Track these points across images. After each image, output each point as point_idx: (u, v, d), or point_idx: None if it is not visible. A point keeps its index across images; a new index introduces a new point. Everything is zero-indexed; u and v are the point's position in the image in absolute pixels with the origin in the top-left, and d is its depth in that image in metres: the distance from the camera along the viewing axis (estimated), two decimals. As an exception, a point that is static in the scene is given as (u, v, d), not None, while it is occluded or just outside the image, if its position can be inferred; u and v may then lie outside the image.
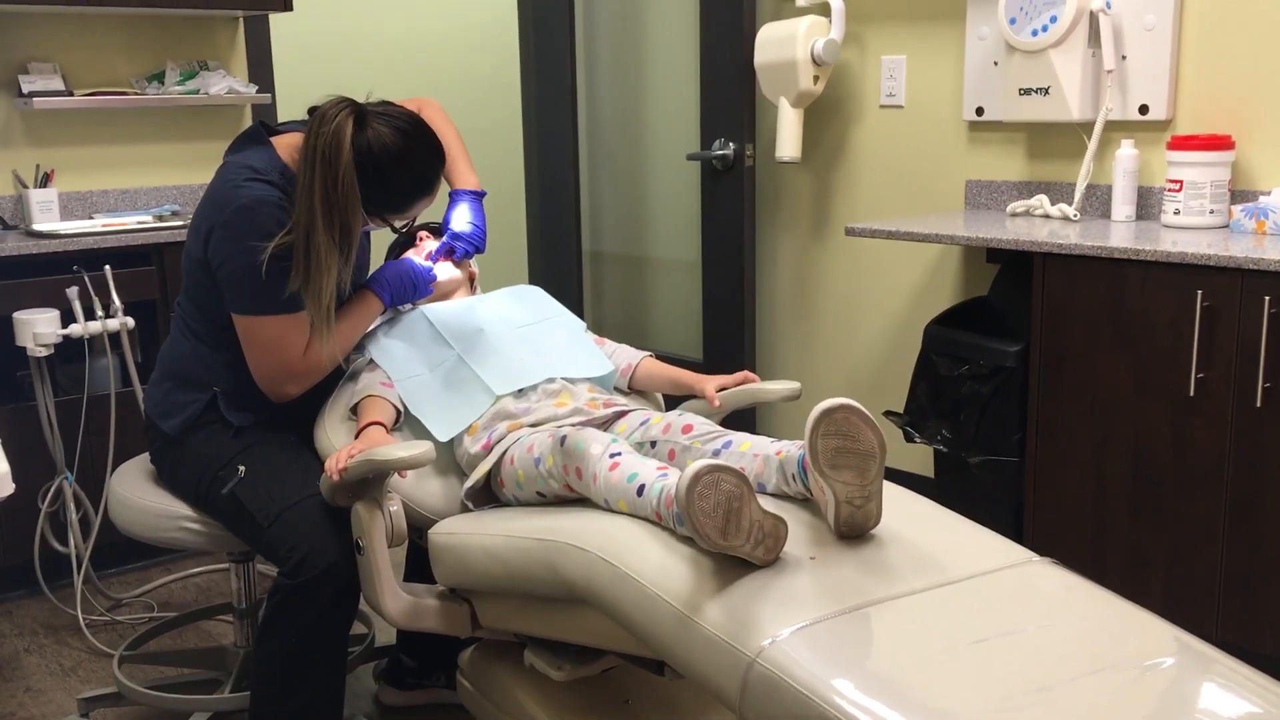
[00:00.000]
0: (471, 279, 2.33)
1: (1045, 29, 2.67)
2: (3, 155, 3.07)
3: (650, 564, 1.54)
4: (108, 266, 2.76)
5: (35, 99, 2.98)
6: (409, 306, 2.22)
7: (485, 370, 2.03)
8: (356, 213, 1.89)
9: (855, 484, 1.57)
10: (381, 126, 1.89)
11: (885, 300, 3.31)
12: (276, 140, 2.00)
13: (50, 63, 3.10)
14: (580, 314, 4.07)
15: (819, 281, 3.49)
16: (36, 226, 2.94)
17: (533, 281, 4.25)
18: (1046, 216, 2.82)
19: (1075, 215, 2.74)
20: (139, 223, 3.04)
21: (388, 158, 1.89)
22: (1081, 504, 2.50)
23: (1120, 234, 2.52)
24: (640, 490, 1.64)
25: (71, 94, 3.08)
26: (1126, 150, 2.67)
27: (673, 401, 2.20)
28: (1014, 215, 2.89)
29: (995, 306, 2.85)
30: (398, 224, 2.03)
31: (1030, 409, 2.55)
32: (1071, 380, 2.48)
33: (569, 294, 4.05)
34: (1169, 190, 2.56)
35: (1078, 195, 2.75)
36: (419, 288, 2.14)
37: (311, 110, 1.90)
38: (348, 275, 1.99)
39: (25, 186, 3.03)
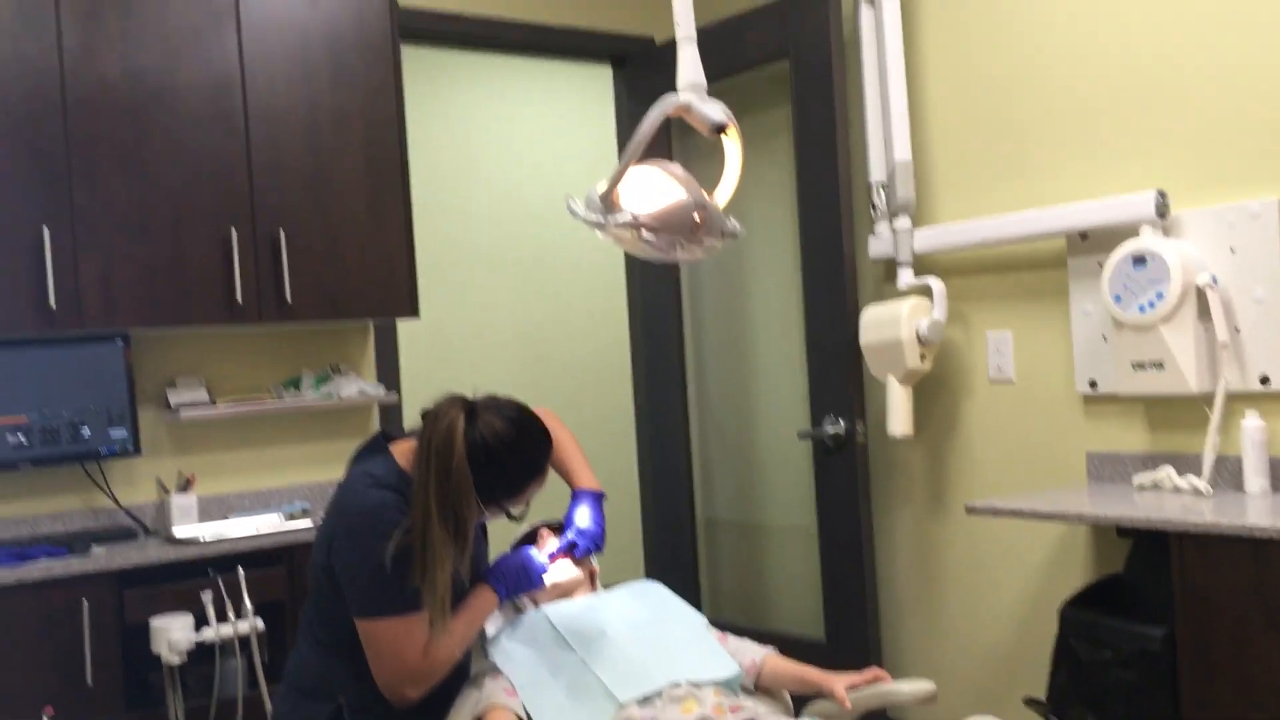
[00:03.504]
0: (592, 576, 2.34)
1: (1152, 305, 2.68)
2: (149, 464, 3.25)
3: None
4: (240, 569, 2.85)
5: (182, 411, 3.18)
6: (531, 606, 2.24)
7: (608, 675, 2.00)
8: (469, 503, 1.95)
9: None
10: (491, 417, 1.99)
11: (1013, 579, 3.21)
12: (395, 447, 2.11)
13: (196, 375, 3.32)
14: (696, 584, 4.04)
15: (941, 559, 3.41)
16: (176, 532, 3.07)
17: (648, 554, 4.24)
18: (1176, 489, 2.74)
19: (1206, 489, 2.66)
20: (270, 524, 3.15)
21: (499, 444, 1.97)
22: (1254, 805, 2.30)
23: (1257, 509, 2.43)
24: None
25: (214, 404, 3.28)
26: (1253, 422, 2.61)
27: (800, 700, 2.13)
28: (1141, 488, 2.82)
29: (1132, 584, 2.74)
30: (514, 510, 2.08)
31: (1183, 698, 2.40)
32: (1225, 666, 2.33)
33: (684, 568, 4.03)
34: (1303, 461, 2.48)
35: (1206, 468, 2.68)
36: (533, 578, 2.17)
37: (425, 413, 2.00)
38: (465, 568, 2.02)
39: (167, 492, 3.19)
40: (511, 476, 2.03)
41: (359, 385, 3.47)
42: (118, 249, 2.97)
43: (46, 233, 2.87)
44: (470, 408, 2.01)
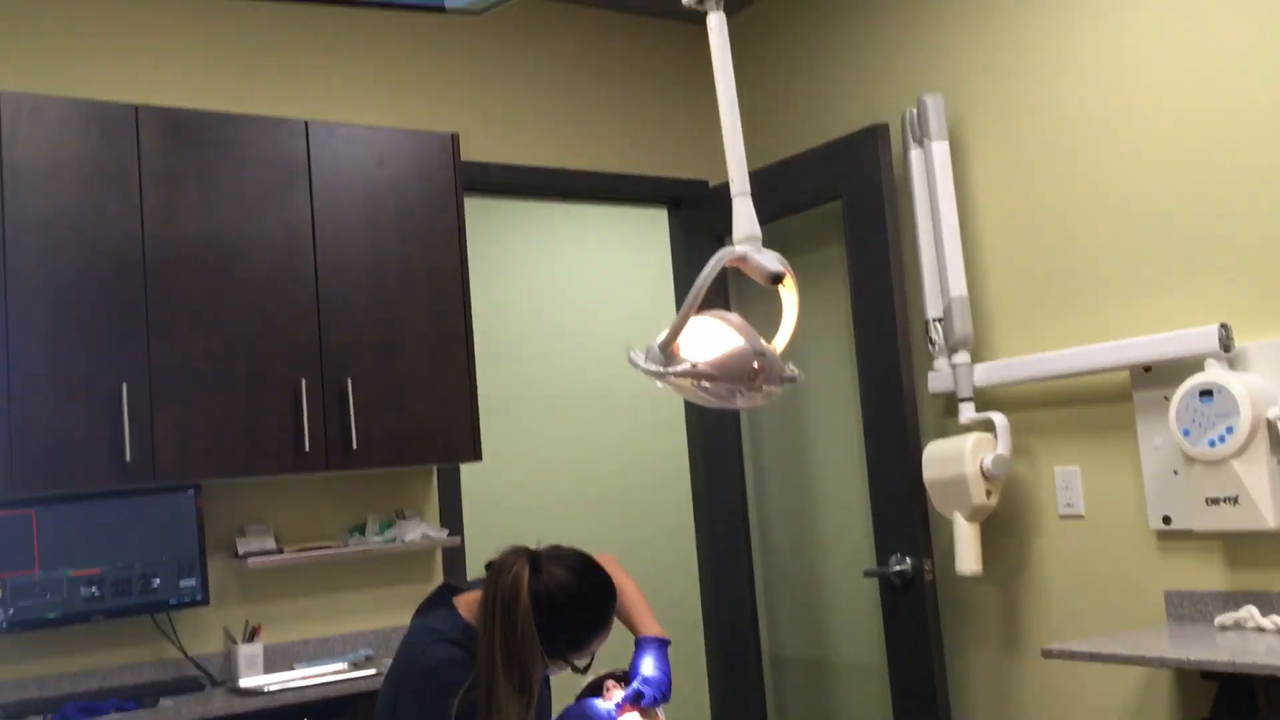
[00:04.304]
0: (659, 728, 2.30)
1: (1222, 439, 2.64)
2: (217, 613, 3.28)
3: None
4: (305, 720, 2.84)
5: (250, 559, 3.22)
6: (597, 760, 2.20)
7: (677, 835, 1.95)
8: (535, 658, 1.94)
9: None
10: (555, 569, 1.99)
11: (1095, 722, 3.09)
12: (459, 600, 2.10)
13: (265, 523, 3.37)
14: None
15: (1018, 702, 3.29)
16: (242, 683, 3.07)
17: (713, 693, 4.15)
18: (1260, 629, 2.64)
19: (1293, 629, 2.57)
20: (335, 672, 3.15)
21: (564, 596, 1.97)
22: None
23: (1349, 650, 2.34)
24: None
25: (282, 551, 3.31)
26: (1336, 557, 2.53)
27: None
28: (1224, 629, 2.72)
29: (1221, 730, 2.63)
30: (579, 663, 2.07)
31: None
32: (1327, 821, 2.21)
33: (750, 707, 3.93)
34: (1394, 599, 2.38)
35: (1291, 606, 2.59)
36: None
37: (489, 565, 2.01)
38: (530, 723, 2.00)
39: (234, 642, 3.20)
40: (577, 629, 2.02)
41: (423, 529, 3.49)
42: (192, 403, 3.06)
43: (125, 389, 2.96)
44: (534, 559, 2.01)
